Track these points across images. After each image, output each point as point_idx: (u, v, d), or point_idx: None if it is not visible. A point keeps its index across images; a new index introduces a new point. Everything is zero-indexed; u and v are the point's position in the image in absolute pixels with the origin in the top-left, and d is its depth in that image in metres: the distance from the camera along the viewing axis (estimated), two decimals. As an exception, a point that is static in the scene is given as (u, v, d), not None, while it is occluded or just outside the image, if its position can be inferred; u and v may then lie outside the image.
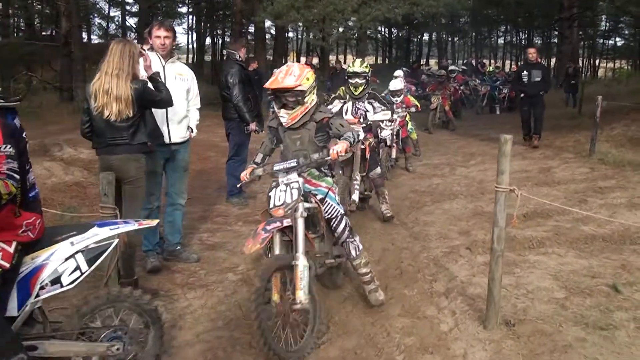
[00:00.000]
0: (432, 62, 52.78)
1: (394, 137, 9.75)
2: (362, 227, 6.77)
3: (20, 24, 35.95)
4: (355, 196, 6.75)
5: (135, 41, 4.82)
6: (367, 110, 6.89)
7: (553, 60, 38.90)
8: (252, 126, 7.53)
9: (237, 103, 7.31)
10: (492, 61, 53.74)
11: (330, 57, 46.22)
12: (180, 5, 47.82)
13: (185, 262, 5.44)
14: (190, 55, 47.48)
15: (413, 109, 11.12)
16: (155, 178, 4.99)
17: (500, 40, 57.30)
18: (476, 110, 20.49)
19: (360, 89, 6.87)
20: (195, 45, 45.81)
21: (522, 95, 12.63)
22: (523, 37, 54.17)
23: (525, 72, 12.43)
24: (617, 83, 27.15)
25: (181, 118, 5.28)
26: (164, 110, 5.00)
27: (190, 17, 48.88)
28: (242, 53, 7.63)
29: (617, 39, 49.92)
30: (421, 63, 41.36)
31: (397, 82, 11.06)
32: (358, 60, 7.14)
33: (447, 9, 22.03)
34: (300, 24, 25.92)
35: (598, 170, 9.50)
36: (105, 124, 4.42)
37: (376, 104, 6.89)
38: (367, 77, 6.93)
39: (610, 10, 34.13)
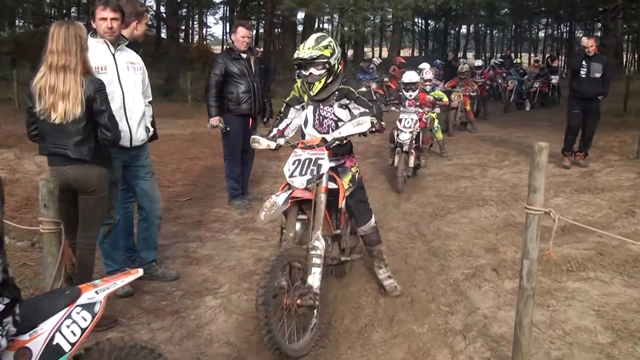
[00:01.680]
0: (470, 55, 51.50)
1: (414, 141, 8.38)
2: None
3: (54, 13, 35.92)
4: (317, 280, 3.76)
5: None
6: (339, 119, 4.25)
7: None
8: (212, 121, 6.82)
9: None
10: (532, 54, 52.39)
11: (365, 50, 45.55)
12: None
13: (161, 279, 4.69)
14: (225, 47, 47.02)
15: (437, 110, 9.67)
16: (114, 189, 4.22)
17: (541, 34, 55.59)
18: (503, 108, 18.78)
19: (320, 85, 4.12)
20: (229, 35, 45.30)
21: (574, 95, 9.57)
22: (564, 29, 52.54)
23: (583, 65, 9.26)
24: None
25: (141, 116, 4.46)
26: (122, 106, 4.22)
27: (224, 6, 48.74)
28: (235, 38, 6.75)
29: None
30: (458, 56, 40.20)
31: (412, 74, 9.32)
32: (312, 38, 4.14)
33: (485, -1, 20.92)
34: (334, 14, 25.09)
35: (647, 175, 8.51)
36: (54, 127, 3.67)
37: (353, 106, 4.19)
38: (331, 64, 4.08)
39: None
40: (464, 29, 55.48)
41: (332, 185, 4.00)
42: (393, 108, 8.75)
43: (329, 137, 4.07)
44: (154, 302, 4.33)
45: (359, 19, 18.85)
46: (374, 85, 17.11)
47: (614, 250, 5.48)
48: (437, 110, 9.79)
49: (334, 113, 4.27)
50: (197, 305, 4.29)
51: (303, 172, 3.87)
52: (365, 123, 3.84)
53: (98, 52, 4.08)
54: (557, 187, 8.12)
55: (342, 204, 4.05)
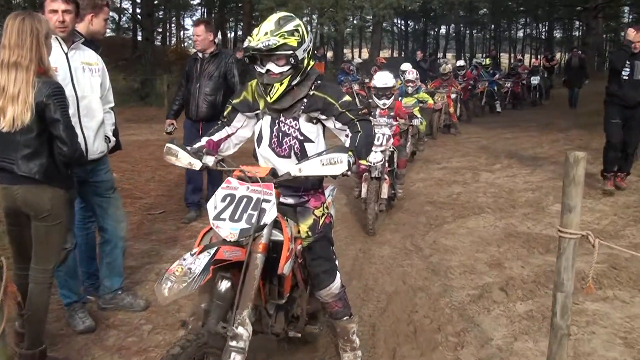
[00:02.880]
0: (449, 55, 51.34)
1: (387, 164, 6.44)
2: (366, 256, 5.43)
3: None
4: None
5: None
6: (306, 139, 3.02)
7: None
8: (166, 123, 6.46)
9: None
10: (512, 55, 52.35)
11: (345, 51, 45.12)
12: (192, -3, 46.85)
13: (129, 310, 4.11)
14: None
15: (416, 121, 7.68)
16: (71, 208, 3.62)
17: (520, 33, 55.57)
18: (474, 111, 17.02)
19: (281, 88, 2.90)
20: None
21: (613, 100, 7.69)
22: (543, 29, 52.58)
23: (627, 65, 7.36)
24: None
25: (99, 124, 3.85)
26: (75, 113, 3.61)
27: (202, 8, 47.97)
28: (196, 40, 6.17)
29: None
30: (438, 56, 39.90)
31: (386, 76, 7.03)
32: (272, 19, 2.89)
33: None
34: (314, 14, 24.58)
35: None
36: (2, 137, 3.08)
37: (334, 125, 3.02)
38: (298, 58, 2.87)
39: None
40: (443, 30, 55.30)
41: (276, 236, 2.75)
42: None
43: (283, 170, 2.80)
44: (119, 339, 3.73)
45: (340, 18, 18.34)
46: (356, 87, 16.57)
47: (627, 264, 5.03)
48: (415, 122, 7.77)
49: (299, 129, 2.98)
50: (168, 341, 3.69)
51: (236, 217, 2.60)
52: (339, 164, 2.56)
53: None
54: (555, 192, 7.66)
55: (284, 269, 2.71)
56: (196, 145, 2.99)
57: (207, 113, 6.15)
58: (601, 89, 18.11)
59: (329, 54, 37.24)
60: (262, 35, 2.78)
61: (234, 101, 3.15)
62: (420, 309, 4.23)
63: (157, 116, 14.76)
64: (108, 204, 4.01)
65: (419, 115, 8.42)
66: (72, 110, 3.51)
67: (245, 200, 2.65)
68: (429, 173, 9.25)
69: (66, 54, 3.64)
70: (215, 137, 3.14)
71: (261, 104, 3.04)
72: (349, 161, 2.57)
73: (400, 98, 9.15)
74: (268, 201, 2.63)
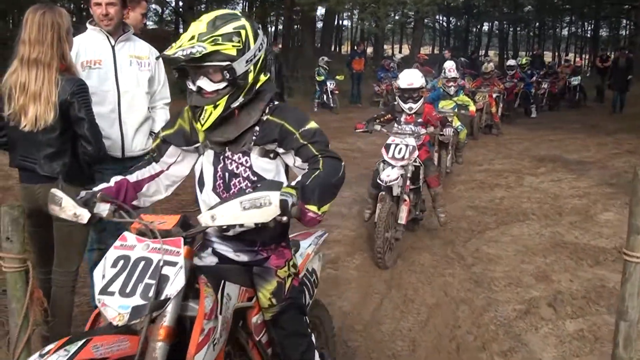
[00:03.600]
0: (491, 53, 50.50)
1: (409, 181, 5.45)
2: (406, 261, 5.23)
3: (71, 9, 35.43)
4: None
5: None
6: (260, 178, 2.24)
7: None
8: None
9: None
10: (556, 53, 51.22)
11: (385, 47, 44.72)
12: (233, -10, 47.02)
13: None
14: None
15: (448, 131, 6.05)
16: None
17: (564, 32, 54.34)
18: (500, 114, 15.21)
19: (215, 113, 2.14)
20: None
21: None
22: (589, 27, 51.31)
23: None
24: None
25: (141, 120, 3.70)
26: (115, 108, 3.51)
27: (243, 2, 48.11)
28: None
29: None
30: (480, 54, 39.26)
31: (413, 74, 5.80)
32: (205, 19, 2.11)
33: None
34: (355, 10, 24.32)
35: None
36: (24, 136, 2.98)
37: (293, 162, 2.24)
38: (235, 72, 2.09)
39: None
40: (485, 27, 54.38)
41: (194, 312, 1.92)
42: (378, 128, 5.68)
43: (202, 219, 1.88)
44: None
45: (382, 14, 18.07)
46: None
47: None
48: (449, 131, 6.20)
49: (250, 167, 2.23)
50: None
51: (129, 289, 1.80)
52: (266, 207, 1.80)
53: (94, 43, 3.41)
54: (604, 199, 7.35)
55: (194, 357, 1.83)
56: (95, 189, 2.26)
57: None
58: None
59: (369, 50, 36.99)
60: (186, 41, 2.03)
61: (165, 132, 2.37)
62: (463, 324, 4.02)
63: (196, 110, 14.73)
64: None
65: (456, 123, 7.76)
66: (111, 105, 3.43)
67: (142, 263, 1.86)
68: (470, 175, 8.97)
69: (113, 47, 3.53)
70: (134, 177, 2.37)
71: (201, 136, 2.27)
72: (283, 202, 1.82)
73: (437, 100, 8.70)
74: (172, 264, 1.84)
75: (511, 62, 17.08)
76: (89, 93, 3.04)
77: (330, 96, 17.01)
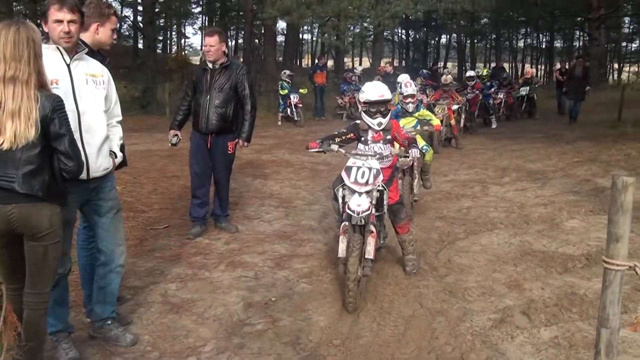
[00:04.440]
0: (450, 64, 51.30)
1: (374, 208, 4.70)
2: (380, 274, 5.22)
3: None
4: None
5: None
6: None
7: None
8: (170, 134, 6.27)
9: None
10: (512, 64, 52.33)
11: (346, 60, 45.08)
12: (193, 6, 46.77)
13: (115, 344, 3.79)
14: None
15: (414, 152, 5.04)
16: (68, 230, 3.41)
17: (521, 43, 55.57)
18: (470, 125, 15.79)
19: None
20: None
21: None
22: (544, 39, 52.58)
23: None
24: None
25: (102, 140, 3.58)
26: (77, 128, 3.35)
27: (203, 16, 47.93)
28: (209, 50, 5.92)
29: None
30: (439, 66, 39.82)
31: (379, 87, 5.15)
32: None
33: (471, 6, 20.25)
34: (315, 24, 24.44)
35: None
36: (0, 155, 2.89)
37: None
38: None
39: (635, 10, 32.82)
40: (444, 39, 55.32)
41: None
42: (335, 148, 4.98)
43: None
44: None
45: (343, 27, 18.20)
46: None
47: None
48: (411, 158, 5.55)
49: None
50: (177, 370, 3.49)
51: None
52: None
53: (50, 61, 3.23)
54: (569, 207, 7.48)
55: None
56: None
57: (217, 126, 5.97)
58: (604, 99, 17.94)
59: (330, 63, 37.21)
60: None
61: None
62: (441, 335, 4.03)
63: (158, 125, 14.60)
64: (110, 226, 3.75)
65: (421, 143, 7.06)
66: (72, 125, 3.26)
67: None
68: (437, 186, 9.03)
69: (68, 65, 3.41)
70: None
71: None
72: None
73: (397, 119, 7.49)
74: None
75: (470, 72, 17.25)
76: (66, 110, 2.97)
77: (294, 110, 17.03)
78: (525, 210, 7.53)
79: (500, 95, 18.08)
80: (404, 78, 9.23)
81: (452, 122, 12.94)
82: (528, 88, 18.89)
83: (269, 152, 11.82)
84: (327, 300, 4.64)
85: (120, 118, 3.83)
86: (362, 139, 5.11)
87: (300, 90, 17.68)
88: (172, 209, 7.32)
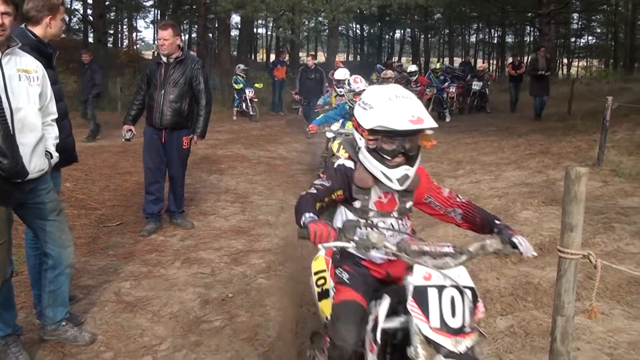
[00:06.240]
0: (404, 59, 51.74)
1: None
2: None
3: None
4: None
5: None
6: None
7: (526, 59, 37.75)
8: (124, 129, 6.16)
9: None
10: (464, 59, 53.09)
11: (301, 54, 44.95)
12: (145, -1, 46.00)
13: (72, 343, 3.71)
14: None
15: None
16: (9, 231, 3.25)
17: (473, 38, 56.41)
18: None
19: None
20: (159, 40, 43.77)
21: None
22: (496, 34, 53.47)
23: None
24: (598, 82, 26.35)
25: (37, 139, 3.32)
26: (9, 125, 3.08)
27: (155, 10, 47.16)
28: (163, 44, 5.83)
29: (589, 38, 50.17)
30: (393, 60, 40.12)
31: (343, 72, 5.49)
32: None
33: (425, 2, 20.43)
34: (269, 18, 24.32)
35: (612, 183, 8.07)
36: None
37: None
38: None
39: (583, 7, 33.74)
40: (398, 34, 55.75)
41: None
42: (374, 242, 2.36)
43: None
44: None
45: (298, 21, 18.14)
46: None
47: (603, 273, 4.91)
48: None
49: None
50: (132, 370, 3.41)
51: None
52: None
53: None
54: (522, 198, 7.60)
55: None
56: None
57: (172, 121, 5.87)
58: (555, 93, 18.21)
59: (285, 57, 37.14)
60: None
61: None
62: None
63: (110, 120, 14.29)
64: (52, 228, 3.55)
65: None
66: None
67: None
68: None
69: (0, 61, 3.15)
70: None
71: None
72: None
73: (342, 122, 7.64)
74: None
75: (412, 67, 17.37)
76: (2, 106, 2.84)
77: (249, 104, 16.91)
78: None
79: (452, 89, 18.25)
80: (344, 73, 8.96)
81: None
82: (481, 83, 19.15)
83: (224, 147, 11.72)
84: (286, 296, 4.61)
85: (56, 116, 3.59)
86: (357, 203, 2.69)
87: (256, 85, 17.57)
88: (125, 205, 7.18)
